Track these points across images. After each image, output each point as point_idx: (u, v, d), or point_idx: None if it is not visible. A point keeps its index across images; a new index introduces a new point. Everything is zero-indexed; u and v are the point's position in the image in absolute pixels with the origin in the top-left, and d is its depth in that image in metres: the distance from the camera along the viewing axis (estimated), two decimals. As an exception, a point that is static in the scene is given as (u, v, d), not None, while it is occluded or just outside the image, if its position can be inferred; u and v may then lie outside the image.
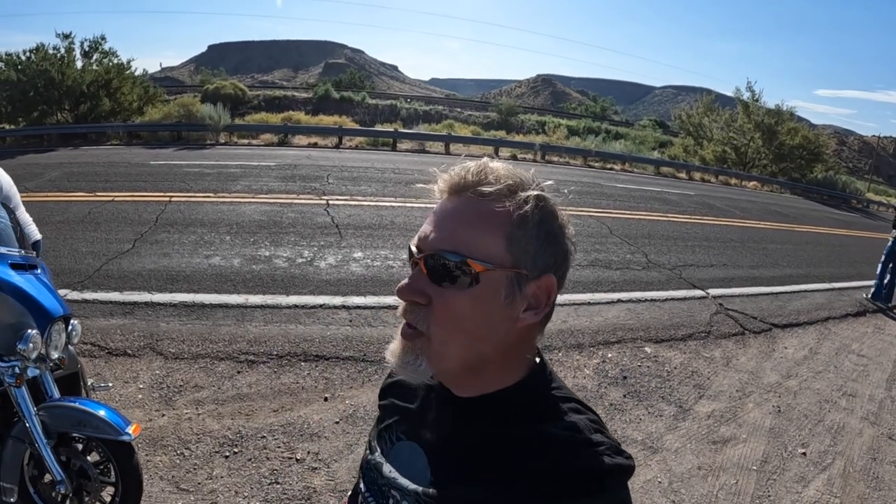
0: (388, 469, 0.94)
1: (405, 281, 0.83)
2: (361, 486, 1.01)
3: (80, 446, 2.70)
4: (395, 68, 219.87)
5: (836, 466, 4.11)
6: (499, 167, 0.83)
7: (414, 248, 0.84)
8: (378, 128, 27.34)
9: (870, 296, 8.84)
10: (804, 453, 4.20)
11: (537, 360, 0.92)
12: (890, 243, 9.00)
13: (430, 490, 0.86)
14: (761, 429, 4.46)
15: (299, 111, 32.72)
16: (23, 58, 21.63)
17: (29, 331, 2.46)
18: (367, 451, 1.03)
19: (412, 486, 0.89)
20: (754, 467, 3.93)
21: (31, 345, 2.44)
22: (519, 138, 30.43)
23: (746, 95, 35.52)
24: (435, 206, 0.86)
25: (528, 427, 0.83)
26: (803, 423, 4.67)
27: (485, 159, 0.85)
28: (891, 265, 8.86)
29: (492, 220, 0.80)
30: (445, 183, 0.84)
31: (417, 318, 0.82)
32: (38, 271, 2.91)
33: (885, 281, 8.81)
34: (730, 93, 37.58)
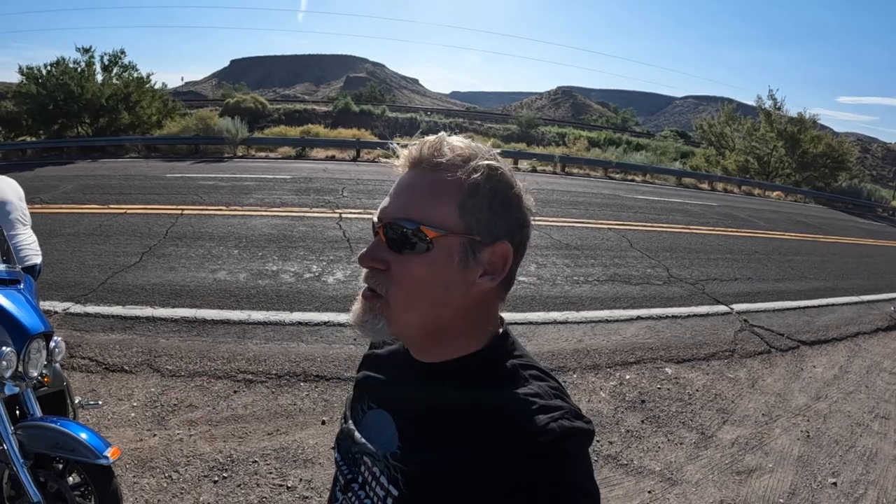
0: (358, 436, 0.98)
1: (365, 248, 0.88)
2: (337, 456, 1.04)
3: (59, 468, 2.60)
4: (415, 81, 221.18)
5: (870, 497, 3.80)
6: (455, 140, 0.87)
7: (375, 219, 0.89)
8: (397, 140, 27.27)
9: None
10: (835, 483, 3.90)
11: (500, 330, 0.94)
12: None
13: (398, 454, 0.89)
14: (789, 457, 4.16)
15: (318, 124, 32.77)
16: (43, 71, 21.93)
17: (3, 348, 2.40)
18: (342, 421, 1.07)
19: (381, 451, 0.92)
20: (781, 500, 3.64)
21: (4, 362, 2.39)
22: (539, 150, 30.30)
23: (768, 104, 35.13)
24: (396, 180, 0.90)
25: (489, 393, 0.87)
26: (834, 449, 4.35)
27: (442, 133, 0.88)
28: None
29: (444, 189, 0.84)
30: (404, 157, 0.89)
31: (377, 282, 0.87)
32: (21, 286, 2.81)
33: None
34: (751, 102, 37.12)
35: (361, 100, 58.01)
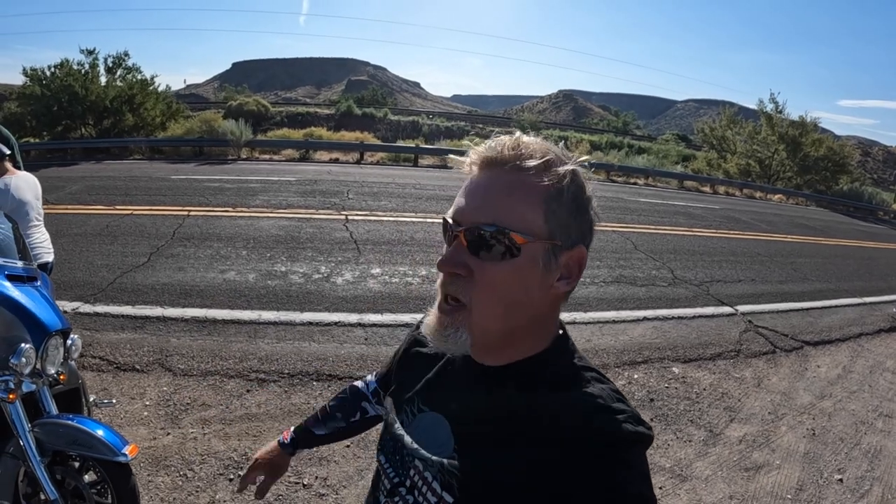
0: (409, 440, 0.96)
1: (446, 253, 0.85)
2: (382, 458, 1.03)
3: (76, 465, 2.60)
4: (417, 85, 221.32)
5: (875, 493, 3.87)
6: (531, 141, 0.85)
7: (451, 221, 0.86)
8: (399, 143, 27.35)
9: None
10: (841, 479, 3.96)
11: (560, 331, 0.95)
12: None
13: (454, 460, 0.88)
14: (795, 454, 4.21)
15: (321, 127, 32.79)
16: (48, 73, 21.89)
17: (22, 345, 2.38)
18: (387, 424, 1.05)
19: (435, 457, 0.90)
20: (789, 496, 3.70)
21: (23, 359, 2.37)
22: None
23: (769, 107, 35.16)
24: (467, 180, 0.87)
25: (552, 395, 0.86)
26: (839, 446, 4.42)
27: (518, 133, 0.86)
28: None
29: (531, 193, 0.82)
30: (479, 156, 0.86)
31: (459, 289, 0.84)
32: (38, 284, 2.82)
33: None
34: (752, 105, 37.23)
35: (363, 103, 58.16)
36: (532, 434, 0.82)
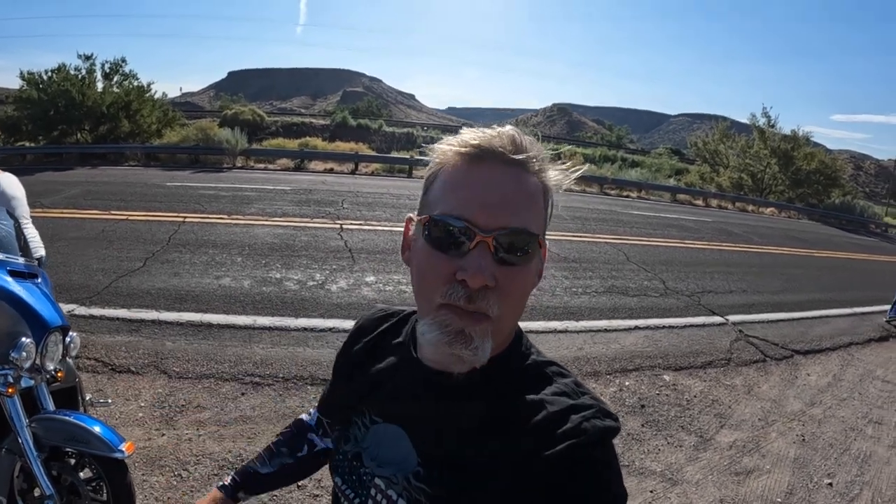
0: (365, 457, 0.90)
1: (474, 263, 0.74)
2: (337, 480, 0.95)
3: (72, 461, 2.60)
4: (412, 97, 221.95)
5: (864, 497, 3.94)
6: (525, 136, 0.80)
7: (464, 225, 0.75)
8: (394, 154, 27.43)
9: (888, 317, 8.75)
10: (830, 484, 4.02)
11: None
12: None
13: (421, 474, 0.82)
14: (785, 459, 4.27)
15: (316, 137, 32.91)
16: (45, 77, 21.92)
17: (23, 339, 2.38)
18: (337, 441, 0.98)
19: (398, 473, 0.85)
20: (779, 499, 3.75)
21: (24, 353, 2.36)
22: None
23: (762, 121, 35.59)
24: (460, 173, 0.79)
25: (520, 395, 0.81)
26: (829, 452, 4.48)
27: (508, 126, 0.80)
28: None
29: (538, 192, 0.80)
30: (482, 148, 0.78)
31: (488, 302, 0.75)
32: (39, 280, 2.83)
33: None
34: (745, 119, 37.60)
35: (359, 114, 58.34)
36: (503, 440, 0.78)
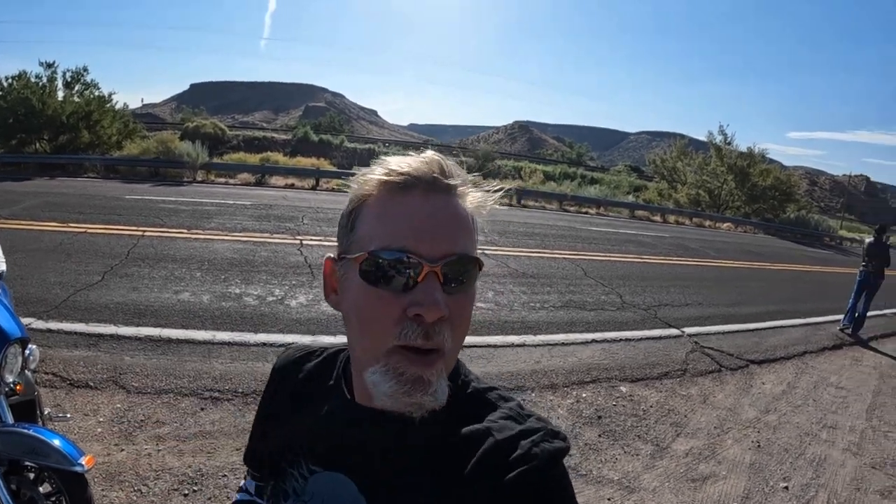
0: None
1: (429, 295, 0.70)
2: None
3: (31, 476, 2.55)
4: (374, 113, 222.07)
5: (820, 499, 4.10)
6: (447, 161, 0.78)
7: (413, 256, 0.71)
8: (355, 170, 27.36)
9: (842, 325, 9.23)
10: (786, 487, 4.17)
11: None
12: (860, 274, 9.58)
13: None
14: (741, 465, 4.40)
15: (278, 152, 32.71)
16: (4, 84, 21.48)
17: None
18: (276, 501, 0.89)
19: None
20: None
21: None
22: (495, 183, 30.62)
23: (719, 139, 36.70)
24: (391, 205, 0.74)
25: (466, 426, 0.78)
26: (784, 457, 4.64)
27: (430, 152, 0.78)
28: (863, 295, 9.34)
29: (468, 216, 0.76)
30: (411, 177, 0.74)
31: (443, 336, 0.72)
32: (-1, 292, 2.80)
33: (858, 310, 9.24)
34: (703, 137, 38.59)
35: (321, 129, 58.13)
36: (455, 473, 0.74)
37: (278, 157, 27.87)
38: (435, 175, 0.74)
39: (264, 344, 5.61)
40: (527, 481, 0.71)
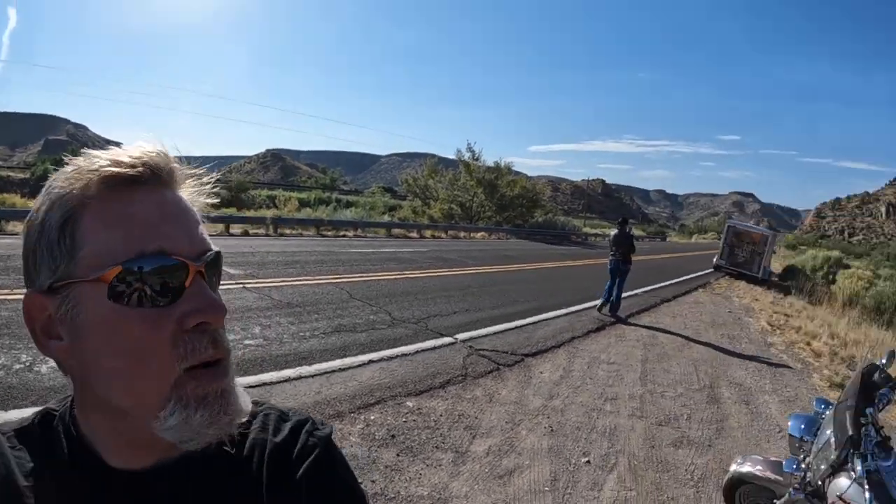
0: None
1: (206, 296, 0.62)
2: None
3: None
4: (119, 145, 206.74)
5: (622, 464, 4.43)
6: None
7: (176, 258, 0.61)
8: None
9: (599, 308, 10.36)
10: (588, 461, 4.42)
11: None
12: (610, 263, 10.71)
13: None
14: (541, 451, 4.52)
15: (15, 193, 28.35)
16: None
17: None
18: None
19: None
20: (547, 488, 3.95)
21: None
22: (250, 213, 29.57)
23: (467, 156, 39.26)
24: (141, 198, 0.63)
25: (247, 438, 0.74)
26: (578, 434, 4.91)
27: (149, 143, 0.67)
28: (617, 280, 10.52)
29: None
30: (153, 165, 0.64)
31: (224, 338, 0.65)
32: None
33: (613, 294, 10.42)
34: (452, 155, 40.96)
35: (63, 165, 52.77)
36: (253, 486, 0.70)
37: (16, 200, 23.91)
38: (172, 166, 0.66)
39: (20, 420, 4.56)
40: (319, 468, 0.73)
